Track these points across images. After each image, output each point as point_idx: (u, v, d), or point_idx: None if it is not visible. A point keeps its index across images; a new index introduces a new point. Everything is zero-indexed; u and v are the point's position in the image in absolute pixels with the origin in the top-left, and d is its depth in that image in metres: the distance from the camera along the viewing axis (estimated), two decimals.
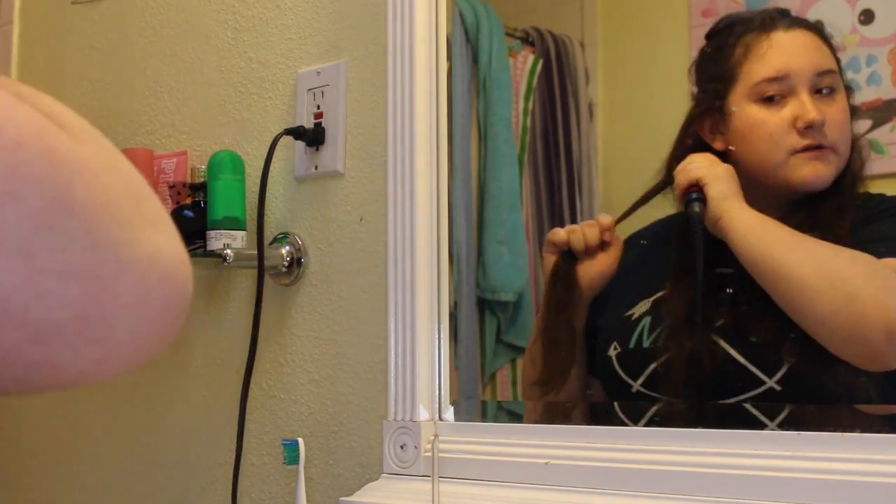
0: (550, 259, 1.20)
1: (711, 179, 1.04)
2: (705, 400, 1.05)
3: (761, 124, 1.05)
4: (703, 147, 1.09)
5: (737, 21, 1.09)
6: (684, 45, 1.20)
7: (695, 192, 1.04)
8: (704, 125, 1.10)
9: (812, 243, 0.99)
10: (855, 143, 1.04)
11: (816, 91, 1.03)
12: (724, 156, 1.08)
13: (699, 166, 1.05)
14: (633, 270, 1.17)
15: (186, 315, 0.49)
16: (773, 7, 1.09)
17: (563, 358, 1.19)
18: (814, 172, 1.03)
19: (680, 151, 1.11)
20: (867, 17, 1.06)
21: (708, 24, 1.17)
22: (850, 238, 1.00)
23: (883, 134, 1.04)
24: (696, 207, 1.03)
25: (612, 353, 1.12)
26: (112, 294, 0.42)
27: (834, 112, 1.03)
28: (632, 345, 1.10)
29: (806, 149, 1.03)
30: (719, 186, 1.03)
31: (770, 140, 1.05)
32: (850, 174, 1.04)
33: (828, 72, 1.04)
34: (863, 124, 1.05)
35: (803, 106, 1.02)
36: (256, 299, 1.34)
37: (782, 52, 1.05)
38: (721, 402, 1.02)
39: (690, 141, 1.11)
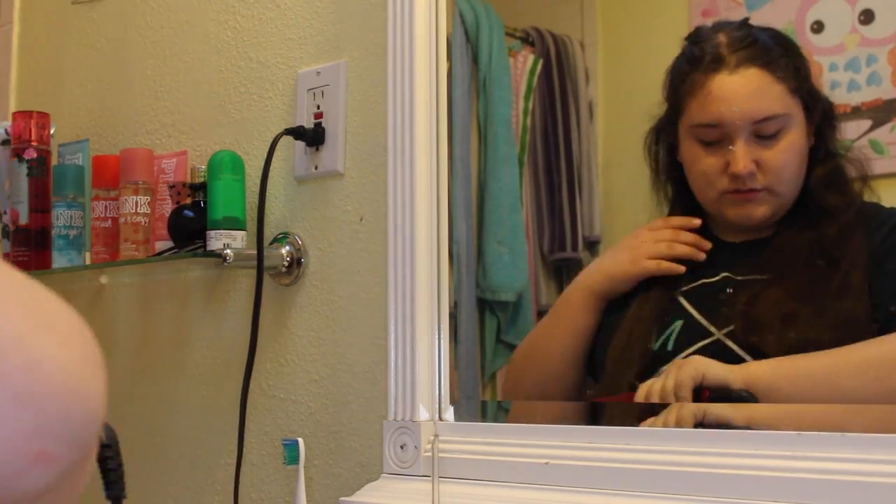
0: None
1: (704, 367, 1.01)
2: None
3: (697, 162, 1.07)
4: (673, 151, 1.12)
5: (690, 52, 1.09)
6: None
7: (709, 390, 1.01)
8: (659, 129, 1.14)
9: (835, 356, 0.97)
10: (828, 157, 1.04)
11: (759, 135, 1.03)
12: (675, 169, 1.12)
13: (684, 370, 1.02)
14: None
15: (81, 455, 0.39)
16: (735, 29, 1.07)
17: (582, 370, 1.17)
18: (744, 214, 1.06)
19: (660, 154, 1.14)
20: (867, 16, 1.06)
21: (708, 24, 1.17)
22: (874, 257, 0.99)
23: (883, 134, 1.04)
24: (742, 394, 0.99)
25: None
26: None
27: (772, 155, 1.03)
28: (656, 347, 1.08)
29: (735, 192, 1.05)
30: (715, 367, 1.01)
31: (704, 178, 1.07)
32: (839, 188, 1.03)
33: (770, 118, 1.03)
34: (863, 124, 1.05)
35: (735, 154, 1.03)
36: (255, 299, 1.34)
37: (720, 100, 1.05)
38: None
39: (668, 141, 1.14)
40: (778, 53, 1.05)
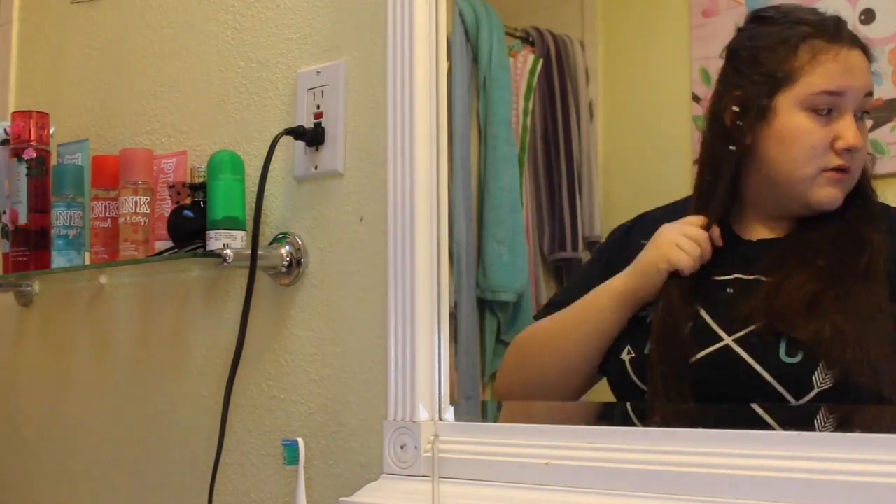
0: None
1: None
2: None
3: (807, 134, 1.03)
4: (721, 130, 1.08)
5: (800, 18, 1.06)
6: (684, 45, 1.20)
7: None
8: (729, 110, 1.08)
9: None
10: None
11: (860, 112, 1.03)
12: (737, 152, 1.07)
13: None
14: None
15: None
16: (832, 14, 1.06)
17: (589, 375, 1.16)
18: (832, 195, 1.03)
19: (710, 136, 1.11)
20: (868, 16, 1.06)
21: (708, 24, 1.17)
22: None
23: (883, 134, 1.04)
24: None
25: (626, 357, 1.09)
26: None
27: (863, 136, 1.03)
28: (647, 351, 1.08)
29: (836, 169, 1.03)
30: None
31: (810, 152, 1.03)
32: (865, 187, 1.04)
33: (870, 94, 1.04)
34: None
35: (848, 128, 1.02)
36: (246, 297, 1.34)
37: (847, 69, 1.03)
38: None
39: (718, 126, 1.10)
40: (869, 48, 1.05)
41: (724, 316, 1.04)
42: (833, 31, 1.04)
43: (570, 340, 1.15)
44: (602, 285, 1.13)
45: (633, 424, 1.07)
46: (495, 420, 1.26)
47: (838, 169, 1.02)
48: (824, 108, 1.03)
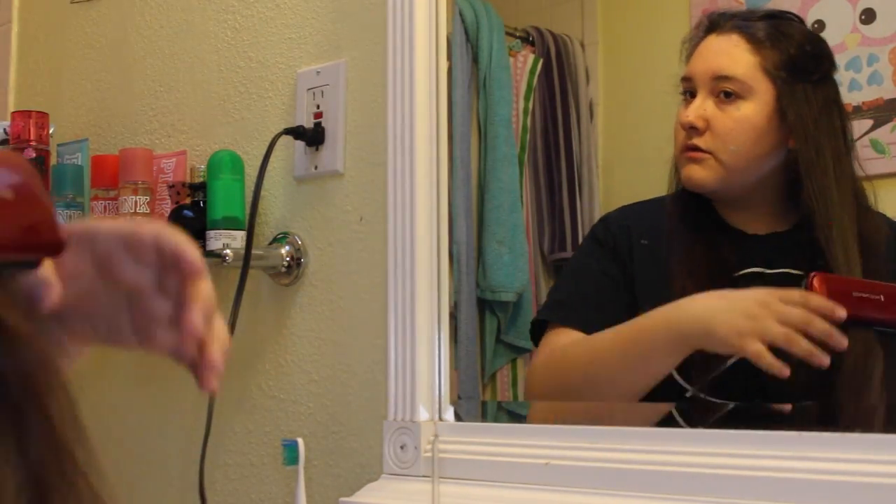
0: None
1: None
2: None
3: (677, 116, 1.08)
4: None
5: (703, 21, 1.10)
6: None
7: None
8: None
9: None
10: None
11: (718, 94, 1.04)
12: None
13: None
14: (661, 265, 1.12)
15: None
16: (744, 9, 1.09)
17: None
18: (688, 174, 1.07)
19: None
20: (868, 16, 1.06)
21: None
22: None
23: (884, 134, 1.04)
24: None
25: None
26: None
27: (723, 118, 1.04)
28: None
29: (687, 147, 1.06)
30: None
31: (678, 132, 1.08)
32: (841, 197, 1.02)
33: (728, 77, 1.04)
34: (864, 124, 1.05)
35: (692, 107, 1.05)
36: (236, 296, 1.33)
37: (698, 55, 1.08)
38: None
39: None
40: (770, 35, 1.05)
41: None
42: (709, 23, 1.08)
43: (624, 375, 1.07)
44: (666, 317, 1.03)
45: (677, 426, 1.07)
46: (502, 420, 1.26)
47: (687, 147, 1.06)
48: (686, 93, 1.07)
